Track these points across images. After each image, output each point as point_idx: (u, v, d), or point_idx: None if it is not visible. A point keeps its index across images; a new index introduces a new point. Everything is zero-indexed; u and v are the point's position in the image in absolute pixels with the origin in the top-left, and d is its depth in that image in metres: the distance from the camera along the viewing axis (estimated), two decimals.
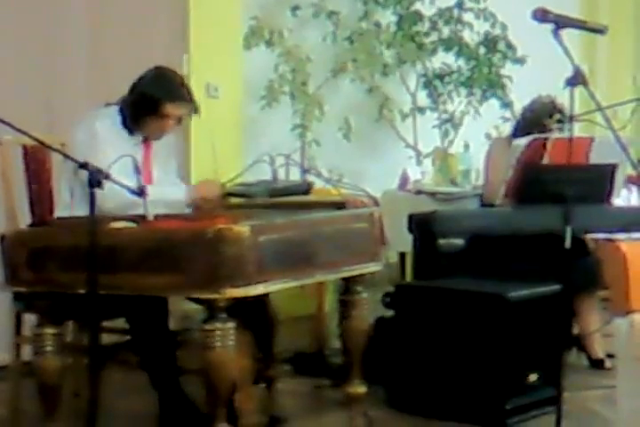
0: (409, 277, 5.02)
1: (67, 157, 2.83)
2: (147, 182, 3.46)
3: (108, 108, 3.64)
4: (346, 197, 3.58)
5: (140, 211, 3.11)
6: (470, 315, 3.68)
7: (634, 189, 4.86)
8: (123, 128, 3.59)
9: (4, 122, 2.67)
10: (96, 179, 2.66)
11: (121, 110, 3.60)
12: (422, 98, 6.34)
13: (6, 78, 4.32)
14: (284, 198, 3.70)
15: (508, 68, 6.36)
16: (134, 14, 4.85)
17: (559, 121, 4.48)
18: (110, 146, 3.41)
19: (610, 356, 4.36)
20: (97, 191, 2.71)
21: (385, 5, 6.07)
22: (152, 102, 3.52)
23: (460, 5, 6.26)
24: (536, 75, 6.38)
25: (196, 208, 3.63)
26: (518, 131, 4.60)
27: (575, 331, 4.45)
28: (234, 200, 3.83)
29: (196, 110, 3.65)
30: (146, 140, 3.66)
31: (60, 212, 3.58)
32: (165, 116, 3.55)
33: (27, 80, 4.41)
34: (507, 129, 5.41)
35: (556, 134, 4.34)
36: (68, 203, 3.48)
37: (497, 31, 6.29)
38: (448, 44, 6.24)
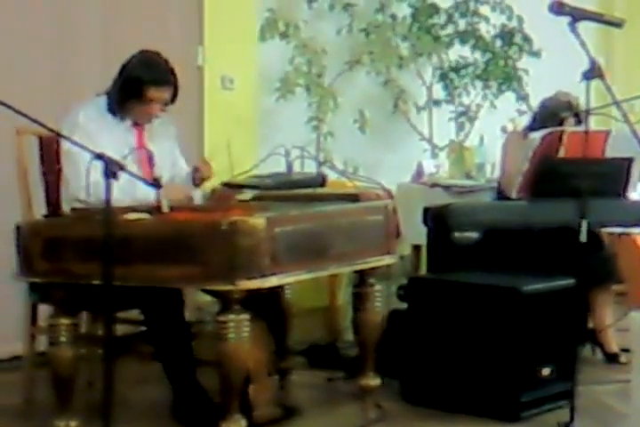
0: (423, 269, 5.01)
1: (81, 147, 2.83)
2: (144, 161, 3.48)
3: (97, 97, 3.66)
4: (360, 190, 3.58)
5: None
6: (484, 308, 3.67)
7: None
8: (111, 114, 3.61)
9: (19, 112, 2.67)
10: (111, 170, 2.67)
11: (108, 96, 3.61)
12: (438, 91, 6.32)
13: (22, 70, 4.33)
14: (298, 191, 3.69)
15: (524, 61, 6.33)
16: (149, 6, 4.85)
17: (578, 121, 4.46)
18: (91, 137, 3.37)
19: (624, 350, 4.34)
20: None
21: None
22: (136, 87, 3.53)
23: None
24: (552, 68, 6.36)
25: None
26: (534, 124, 4.58)
27: (590, 325, 4.44)
28: (248, 192, 3.83)
29: (175, 95, 3.61)
30: (136, 124, 3.67)
31: (73, 203, 3.58)
32: (149, 101, 3.56)
33: (42, 71, 4.42)
34: (522, 122, 5.39)
35: (571, 128, 4.32)
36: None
37: (513, 24, 6.26)
38: (464, 36, 6.21)
